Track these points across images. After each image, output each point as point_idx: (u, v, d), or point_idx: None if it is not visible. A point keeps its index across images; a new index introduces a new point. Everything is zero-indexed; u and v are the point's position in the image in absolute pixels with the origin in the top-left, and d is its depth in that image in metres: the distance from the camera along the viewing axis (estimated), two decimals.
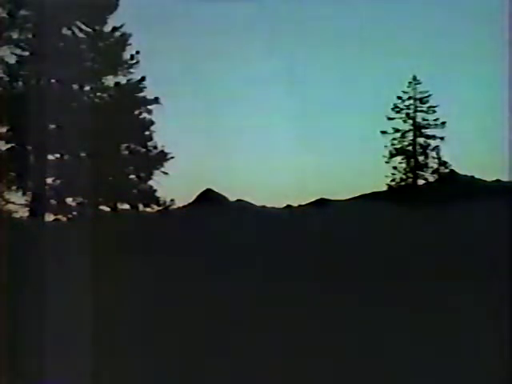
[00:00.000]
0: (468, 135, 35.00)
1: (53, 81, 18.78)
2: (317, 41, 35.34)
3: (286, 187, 37.30)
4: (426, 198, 27.77)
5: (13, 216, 17.43)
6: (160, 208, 19.75)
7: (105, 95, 19.97)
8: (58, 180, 18.74)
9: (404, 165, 32.68)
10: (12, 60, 18.26)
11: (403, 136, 32.97)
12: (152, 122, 20.23)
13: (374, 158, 34.52)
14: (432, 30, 35.61)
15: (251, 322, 6.33)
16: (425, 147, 32.76)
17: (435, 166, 32.50)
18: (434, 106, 32.71)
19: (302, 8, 32.10)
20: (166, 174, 19.95)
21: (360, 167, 38.81)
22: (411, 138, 32.94)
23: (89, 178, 17.40)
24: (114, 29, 19.83)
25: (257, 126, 42.90)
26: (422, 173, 32.59)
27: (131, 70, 20.04)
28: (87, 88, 19.68)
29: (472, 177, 35.55)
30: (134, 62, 20.06)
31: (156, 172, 19.90)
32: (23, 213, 18.03)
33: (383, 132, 32.96)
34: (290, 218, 20.78)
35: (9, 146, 18.15)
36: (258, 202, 32.28)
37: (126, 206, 19.85)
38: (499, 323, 5.65)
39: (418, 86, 32.95)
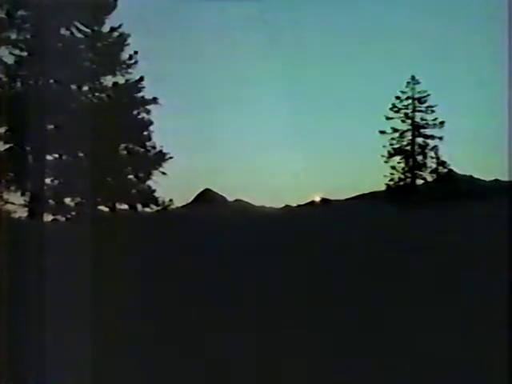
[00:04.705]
0: (466, 135, 35.11)
1: (51, 81, 18.78)
2: (315, 40, 35.36)
3: (285, 187, 37.39)
4: (425, 198, 27.79)
5: (12, 216, 17.43)
6: (159, 208, 19.79)
7: (103, 95, 20.00)
8: (56, 180, 18.76)
9: (402, 164, 32.73)
10: (10, 60, 18.30)
11: (402, 136, 33.01)
12: (150, 122, 20.28)
13: (372, 158, 34.56)
14: (431, 29, 35.64)
15: (251, 322, 6.33)
16: (423, 147, 32.80)
17: (434, 165, 32.54)
18: (433, 106, 32.78)
19: (301, 8, 32.12)
20: (164, 174, 20.01)
21: (358, 167, 38.85)
22: (410, 137, 32.98)
23: (87, 179, 17.42)
24: (112, 29, 19.86)
25: (256, 125, 42.96)
26: (420, 172, 32.63)
27: (129, 70, 20.10)
28: (85, 88, 19.71)
29: (471, 176, 35.58)
30: (133, 62, 20.10)
31: (155, 172, 19.95)
32: (22, 213, 18.06)
33: (382, 132, 33.02)
34: (288, 217, 20.78)
35: (7, 146, 18.17)
36: (256, 201, 32.34)
37: (125, 206, 19.89)
38: (499, 323, 5.66)
39: (416, 85, 33.01)
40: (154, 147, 20.14)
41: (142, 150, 20.18)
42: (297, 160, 34.98)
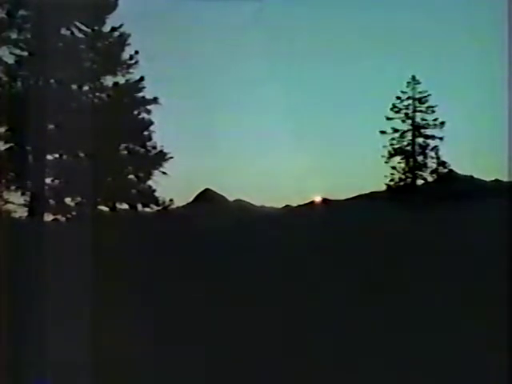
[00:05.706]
0: (467, 135, 35.21)
1: (52, 81, 18.78)
2: (315, 41, 35.38)
3: (285, 187, 37.43)
4: (425, 198, 27.79)
5: (12, 216, 17.45)
6: (159, 208, 19.80)
7: (104, 95, 20.00)
8: (57, 180, 18.77)
9: (403, 165, 32.76)
10: (11, 60, 18.31)
11: (402, 136, 33.03)
12: (151, 122, 20.29)
13: (372, 158, 34.60)
14: (431, 29, 35.66)
15: (250, 323, 6.33)
16: (424, 147, 32.82)
17: (434, 165, 32.56)
18: (433, 106, 32.79)
19: (302, 8, 32.16)
20: (165, 173, 20.03)
21: (359, 167, 38.95)
22: (410, 138, 33.00)
23: (88, 178, 17.42)
24: (113, 29, 19.86)
25: (256, 126, 43.01)
26: (420, 173, 32.65)
27: (130, 70, 20.11)
28: (86, 88, 19.72)
29: (471, 177, 35.61)
30: (133, 62, 20.11)
31: (155, 172, 19.97)
32: (22, 213, 18.07)
33: (382, 132, 33.03)
34: (288, 217, 20.79)
35: (8, 145, 18.18)
36: (256, 201, 32.37)
37: (125, 206, 19.90)
38: (499, 323, 5.66)
39: (417, 85, 33.02)
40: (154, 147, 20.17)
41: (143, 149, 20.20)
42: (297, 160, 35.04)
